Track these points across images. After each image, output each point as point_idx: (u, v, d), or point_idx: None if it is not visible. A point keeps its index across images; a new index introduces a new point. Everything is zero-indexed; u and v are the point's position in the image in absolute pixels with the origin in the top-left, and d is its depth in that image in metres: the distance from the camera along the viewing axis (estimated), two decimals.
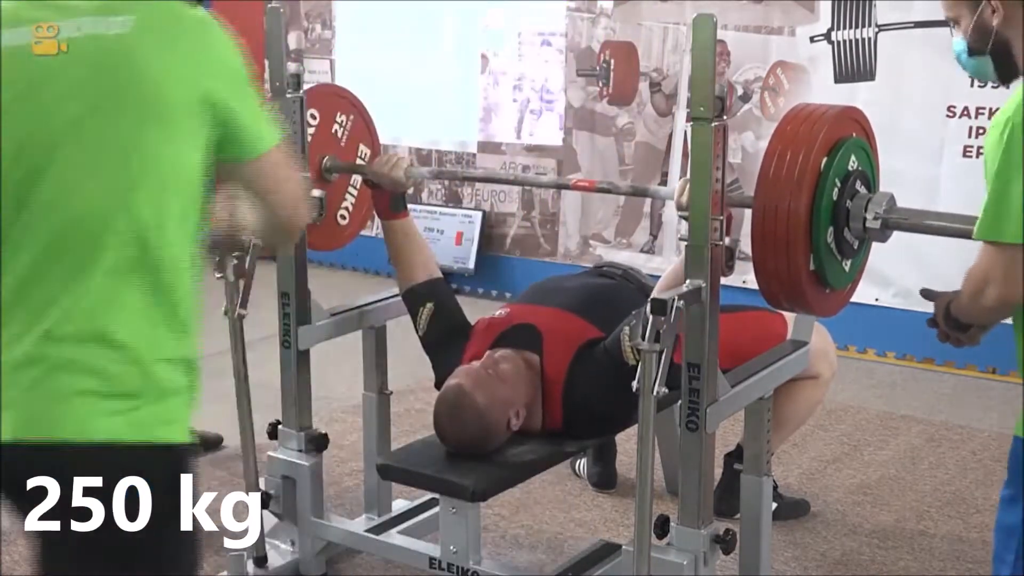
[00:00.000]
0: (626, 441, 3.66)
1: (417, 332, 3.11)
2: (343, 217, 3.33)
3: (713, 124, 2.31)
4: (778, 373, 2.77)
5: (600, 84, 5.68)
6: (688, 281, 2.38)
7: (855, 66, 5.00)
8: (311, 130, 3.13)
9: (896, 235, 2.53)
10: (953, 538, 3.47)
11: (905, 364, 5.01)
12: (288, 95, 2.99)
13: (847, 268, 2.46)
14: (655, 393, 2.25)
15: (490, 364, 2.85)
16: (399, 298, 3.22)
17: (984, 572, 3.28)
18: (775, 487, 3.28)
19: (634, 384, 2.27)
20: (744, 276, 4.77)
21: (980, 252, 2.07)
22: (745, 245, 2.43)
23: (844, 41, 5.01)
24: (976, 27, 2.18)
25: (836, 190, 2.33)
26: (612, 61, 5.62)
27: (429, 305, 3.09)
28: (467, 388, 2.80)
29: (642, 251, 5.57)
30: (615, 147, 5.67)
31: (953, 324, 2.26)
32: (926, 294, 2.34)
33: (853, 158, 2.37)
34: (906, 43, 4.85)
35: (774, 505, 3.03)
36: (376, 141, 3.37)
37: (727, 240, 2.39)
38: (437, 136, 6.24)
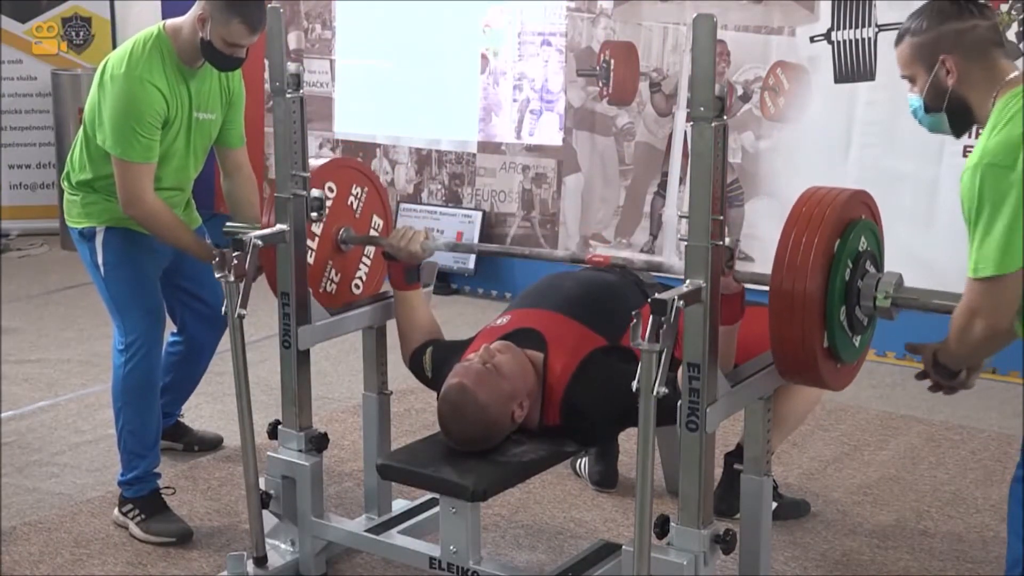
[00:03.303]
0: (626, 441, 3.66)
1: (428, 382, 3.11)
2: (357, 287, 3.35)
3: (713, 124, 2.32)
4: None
5: (600, 84, 5.68)
6: (688, 281, 2.38)
7: (855, 66, 5.00)
8: (328, 202, 3.16)
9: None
10: (953, 538, 3.47)
11: (905, 364, 5.00)
12: (288, 95, 2.99)
13: (857, 343, 2.56)
14: (655, 393, 2.25)
15: (487, 358, 2.84)
16: None
17: (984, 572, 3.28)
18: (775, 487, 3.28)
19: (634, 384, 2.27)
20: None
21: (964, 292, 2.19)
22: (745, 246, 2.44)
23: (844, 41, 5.00)
24: (932, 86, 2.32)
25: (848, 271, 2.42)
26: (612, 61, 5.62)
27: (429, 350, 3.11)
28: (469, 386, 2.80)
29: (642, 251, 5.56)
30: (615, 147, 5.67)
31: (943, 372, 2.35)
32: (912, 348, 2.45)
33: (863, 239, 2.47)
34: None
35: (774, 505, 3.03)
36: (388, 211, 3.42)
37: (727, 240, 2.39)
38: (437, 136, 6.23)
